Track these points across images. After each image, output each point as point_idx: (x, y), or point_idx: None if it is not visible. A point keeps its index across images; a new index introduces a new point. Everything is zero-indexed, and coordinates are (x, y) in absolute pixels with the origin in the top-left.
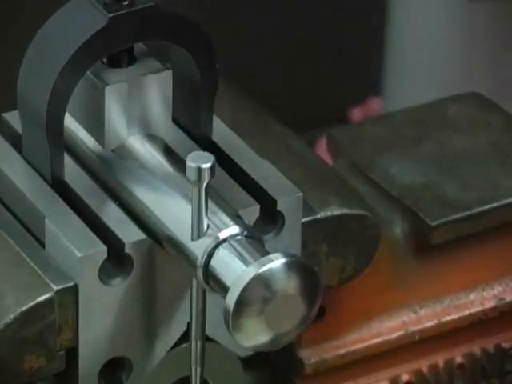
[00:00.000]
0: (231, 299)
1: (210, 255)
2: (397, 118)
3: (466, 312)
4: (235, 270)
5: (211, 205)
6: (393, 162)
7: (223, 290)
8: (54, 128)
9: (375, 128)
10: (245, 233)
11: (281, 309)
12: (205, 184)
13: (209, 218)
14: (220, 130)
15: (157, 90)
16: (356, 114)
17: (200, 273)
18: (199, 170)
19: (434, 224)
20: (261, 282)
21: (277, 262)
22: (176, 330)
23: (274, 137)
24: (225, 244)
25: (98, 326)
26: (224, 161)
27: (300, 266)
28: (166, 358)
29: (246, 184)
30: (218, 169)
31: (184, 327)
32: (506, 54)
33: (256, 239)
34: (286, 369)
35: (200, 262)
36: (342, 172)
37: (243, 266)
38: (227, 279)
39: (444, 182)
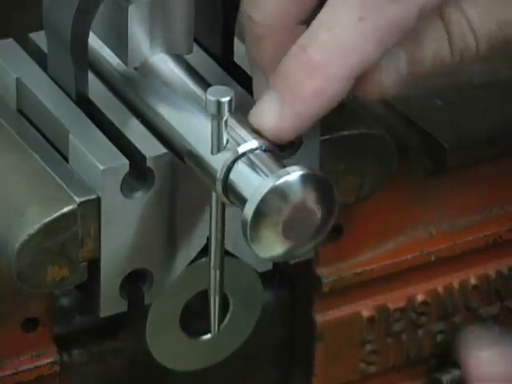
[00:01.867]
0: (249, 210)
1: (229, 169)
2: None
3: (481, 234)
4: (253, 182)
5: (231, 120)
6: (410, 86)
7: (242, 202)
8: (78, 46)
9: None
10: (263, 147)
11: (297, 220)
12: (224, 118)
13: (228, 133)
14: (241, 51)
15: (179, 9)
16: None
17: (219, 186)
18: (218, 104)
19: (448, 146)
20: (278, 193)
21: (294, 175)
22: (196, 244)
23: None
24: (243, 158)
25: (120, 238)
26: (245, 81)
27: (316, 179)
28: (186, 271)
29: None
30: (238, 88)
31: (204, 241)
32: None
33: (274, 153)
34: (305, 286)
35: (219, 175)
36: None
37: (261, 178)
38: (245, 191)
39: (461, 107)
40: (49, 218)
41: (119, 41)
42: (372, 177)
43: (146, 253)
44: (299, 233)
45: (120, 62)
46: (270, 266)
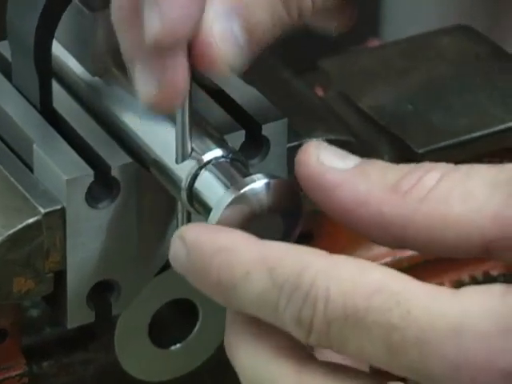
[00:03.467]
0: (213, 220)
1: (194, 177)
2: (386, 50)
3: None
4: (218, 191)
5: (196, 129)
6: (382, 92)
7: (206, 210)
8: (42, 55)
9: (365, 59)
10: (229, 156)
11: (262, 228)
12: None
13: (193, 142)
14: None
15: None
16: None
17: (184, 195)
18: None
19: (420, 151)
20: (243, 201)
21: (258, 183)
22: (163, 254)
23: (261, 67)
24: (208, 166)
25: (86, 249)
26: (210, 87)
27: (281, 186)
28: (154, 282)
29: (231, 109)
30: (203, 94)
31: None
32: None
33: (240, 162)
34: None
35: (184, 184)
36: (331, 102)
37: (225, 187)
38: (210, 200)
39: (431, 111)
40: (13, 230)
41: (83, 49)
42: None
43: (112, 263)
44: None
45: (84, 71)
46: None
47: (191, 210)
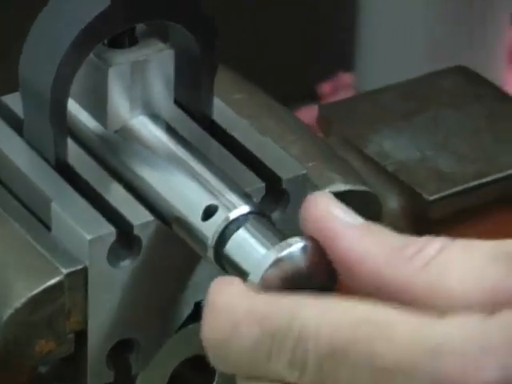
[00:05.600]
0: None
1: (222, 235)
2: (386, 94)
3: None
4: (253, 254)
5: (219, 184)
6: (386, 138)
7: (241, 272)
8: (58, 111)
9: (366, 104)
10: (255, 212)
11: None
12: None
13: (217, 198)
14: (219, 109)
15: (159, 70)
16: (325, 88)
17: (211, 253)
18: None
19: (431, 198)
20: (280, 265)
21: (296, 246)
22: (183, 311)
23: (269, 113)
24: (241, 227)
25: (107, 309)
26: (226, 140)
27: (318, 249)
28: (173, 339)
29: (250, 163)
30: (221, 149)
31: (191, 308)
32: (477, 28)
33: (268, 220)
34: None
35: (211, 241)
36: (335, 148)
37: (262, 250)
38: (245, 263)
39: (439, 156)
40: (36, 291)
41: (98, 104)
42: None
43: (132, 322)
44: None
45: (98, 126)
46: None
47: (217, 267)
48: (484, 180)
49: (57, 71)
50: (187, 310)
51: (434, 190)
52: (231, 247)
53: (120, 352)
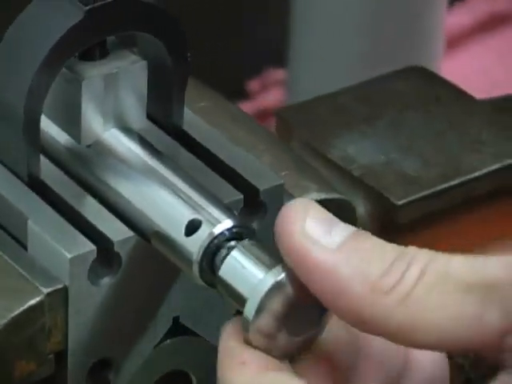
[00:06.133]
0: (251, 308)
1: (205, 251)
2: (344, 97)
3: None
4: (250, 277)
5: (199, 198)
6: (349, 142)
7: (236, 297)
8: (31, 128)
9: (325, 108)
10: (239, 226)
11: (298, 312)
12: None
13: (199, 212)
14: (189, 119)
15: (132, 82)
16: (254, 85)
17: (196, 269)
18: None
19: (399, 203)
20: (279, 288)
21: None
22: (162, 326)
23: (237, 122)
24: (233, 248)
25: (87, 327)
26: (200, 151)
27: None
28: (152, 355)
29: (226, 174)
30: (196, 161)
31: (170, 322)
32: (417, 25)
33: (257, 240)
34: None
35: (196, 257)
36: (297, 153)
37: (260, 273)
38: (242, 289)
39: (404, 160)
40: (16, 312)
41: (71, 118)
42: None
43: (112, 340)
44: (301, 325)
45: (70, 140)
46: None
47: (202, 283)
48: (451, 183)
49: (30, 87)
50: (166, 325)
51: (401, 194)
52: (226, 271)
53: (99, 370)
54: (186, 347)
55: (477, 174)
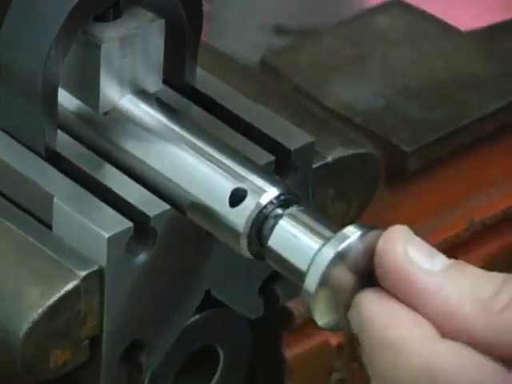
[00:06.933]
0: (312, 282)
1: (254, 222)
2: (327, 37)
3: (440, 238)
4: (306, 248)
5: (236, 165)
6: (343, 86)
7: (289, 268)
8: (49, 97)
9: (310, 50)
10: (286, 193)
11: (348, 285)
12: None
13: (241, 181)
14: (202, 77)
15: (150, 42)
16: None
17: (244, 242)
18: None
19: (409, 150)
20: (341, 259)
21: (354, 237)
22: (194, 300)
23: (237, 72)
24: (282, 217)
25: (122, 309)
26: (220, 113)
27: (373, 237)
28: (183, 332)
29: (253, 135)
30: (218, 123)
31: (202, 296)
32: None
33: (308, 206)
34: (271, 321)
35: (244, 230)
36: (288, 101)
37: (316, 244)
38: (298, 262)
39: (404, 102)
40: (53, 299)
41: (88, 84)
42: (358, 201)
43: (145, 319)
44: (356, 285)
45: (84, 109)
46: (261, 312)
47: (250, 256)
48: (459, 125)
49: (47, 56)
50: (198, 299)
51: (409, 140)
52: (276, 241)
53: (131, 353)
54: (215, 321)
55: (481, 113)
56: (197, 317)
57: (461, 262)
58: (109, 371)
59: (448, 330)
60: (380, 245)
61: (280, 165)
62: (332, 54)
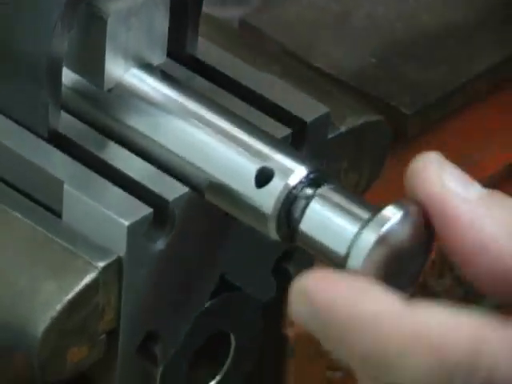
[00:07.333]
0: (355, 266)
1: (283, 203)
2: None
3: None
4: (344, 235)
5: (257, 142)
6: (331, 45)
7: (325, 251)
8: (54, 76)
9: (293, 7)
10: (314, 171)
11: (397, 269)
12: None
13: (266, 160)
14: (202, 46)
15: (154, 13)
16: None
17: (273, 224)
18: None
19: (409, 113)
20: (384, 242)
21: (396, 216)
22: (210, 284)
23: (230, 37)
24: (313, 198)
25: (139, 299)
26: (228, 84)
27: (415, 215)
28: (198, 317)
29: (266, 107)
30: (228, 95)
31: (217, 280)
32: None
33: (330, 180)
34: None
35: (273, 211)
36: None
37: (355, 227)
38: (337, 246)
39: (396, 60)
40: (72, 294)
41: (92, 60)
42: (368, 172)
43: (161, 309)
44: (402, 276)
45: (86, 86)
46: (273, 293)
47: (278, 239)
48: (456, 85)
49: (52, 33)
50: (213, 283)
51: (409, 102)
52: (309, 224)
53: (146, 346)
54: (228, 307)
55: (478, 70)
56: (214, 300)
57: (496, 192)
58: (125, 365)
59: (479, 263)
60: (411, 171)
61: (295, 138)
62: (316, 10)
